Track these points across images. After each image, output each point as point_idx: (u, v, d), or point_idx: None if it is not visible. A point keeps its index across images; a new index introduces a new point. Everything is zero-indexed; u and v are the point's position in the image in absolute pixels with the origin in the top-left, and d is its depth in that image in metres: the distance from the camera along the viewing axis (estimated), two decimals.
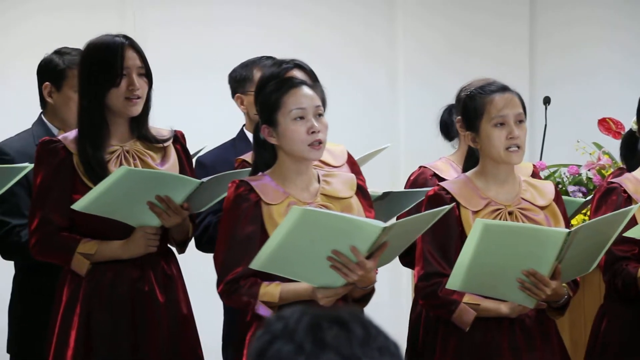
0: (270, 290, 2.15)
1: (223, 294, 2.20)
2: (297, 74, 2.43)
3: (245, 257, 2.14)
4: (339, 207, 2.25)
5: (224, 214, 2.25)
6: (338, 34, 4.04)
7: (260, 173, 2.24)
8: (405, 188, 2.76)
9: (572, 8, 4.42)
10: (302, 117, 2.18)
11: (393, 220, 2.42)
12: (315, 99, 2.22)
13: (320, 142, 2.20)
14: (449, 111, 2.85)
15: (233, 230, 2.20)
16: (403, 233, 2.24)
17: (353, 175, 2.38)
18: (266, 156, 2.25)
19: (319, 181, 2.28)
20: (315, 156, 2.24)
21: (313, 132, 2.18)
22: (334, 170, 2.43)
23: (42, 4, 3.83)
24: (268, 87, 2.27)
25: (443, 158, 2.89)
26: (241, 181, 2.21)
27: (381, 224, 2.11)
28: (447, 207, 2.24)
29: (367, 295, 2.25)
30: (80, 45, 2.42)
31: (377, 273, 2.20)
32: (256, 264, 2.06)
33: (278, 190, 2.23)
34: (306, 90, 2.23)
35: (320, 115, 2.22)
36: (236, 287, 2.18)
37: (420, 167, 2.88)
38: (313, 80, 2.43)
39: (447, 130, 2.89)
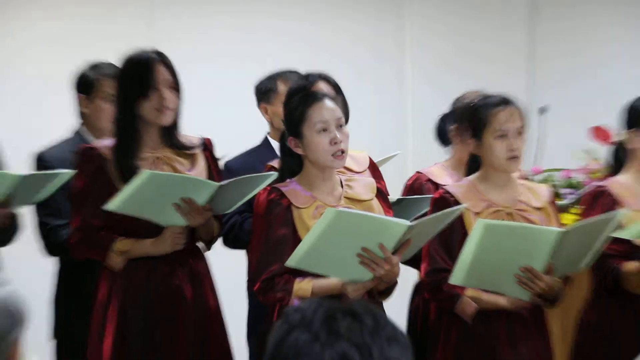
0: (303, 286, 2.31)
1: (260, 291, 2.34)
2: (322, 86, 2.58)
3: (279, 257, 2.30)
4: (360, 209, 2.38)
5: (258, 218, 2.40)
6: (352, 41, 4.27)
7: (288, 180, 2.40)
8: (403, 193, 2.89)
9: (571, 17, 4.60)
10: (325, 129, 2.33)
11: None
12: (336, 111, 2.37)
13: (342, 152, 2.35)
14: (443, 120, 2.99)
15: (267, 232, 2.36)
16: (423, 231, 2.37)
17: (373, 180, 2.52)
18: (292, 164, 2.41)
19: (342, 186, 2.42)
20: (338, 165, 2.38)
21: (335, 143, 2.33)
22: (355, 175, 2.57)
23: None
24: (293, 101, 2.43)
25: (438, 164, 3.02)
26: (272, 187, 2.37)
27: (407, 223, 2.24)
28: (461, 206, 2.38)
29: (390, 288, 2.41)
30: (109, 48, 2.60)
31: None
32: (292, 262, 2.21)
33: (306, 195, 2.39)
34: (328, 103, 2.38)
35: (341, 126, 2.38)
36: (272, 284, 2.33)
37: (416, 172, 3.01)
38: (337, 91, 2.59)
39: (443, 137, 3.03)
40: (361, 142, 2.39)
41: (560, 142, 3.68)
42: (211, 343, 2.55)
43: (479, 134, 2.49)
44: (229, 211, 2.54)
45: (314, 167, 2.39)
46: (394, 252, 2.24)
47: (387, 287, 2.39)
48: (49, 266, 2.93)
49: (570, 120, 3.94)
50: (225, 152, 2.79)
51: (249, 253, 2.47)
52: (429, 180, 2.89)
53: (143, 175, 2.31)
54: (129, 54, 2.48)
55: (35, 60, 3.95)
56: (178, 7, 4.16)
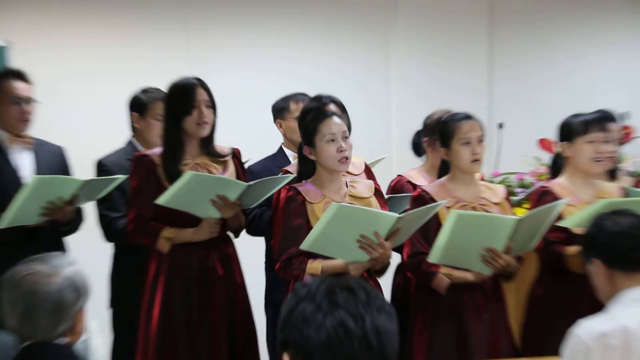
0: (314, 266, 2.67)
1: (280, 269, 2.71)
2: (332, 106, 2.95)
3: (295, 242, 2.64)
4: (362, 205, 2.71)
5: (279, 211, 2.75)
6: (345, 78, 4.93)
7: (304, 180, 2.80)
8: (387, 192, 3.22)
9: (522, 52, 5.29)
10: (333, 140, 2.70)
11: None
12: (342, 126, 2.74)
13: (347, 158, 2.72)
14: (418, 135, 3.42)
15: (285, 222, 2.72)
16: (409, 223, 2.68)
17: (372, 181, 2.91)
18: (308, 168, 2.80)
19: (346, 186, 2.80)
20: (343, 169, 2.75)
21: (341, 151, 2.70)
22: (357, 177, 2.96)
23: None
24: (308, 117, 2.81)
25: (415, 168, 3.39)
26: (291, 186, 2.75)
27: (396, 215, 2.56)
28: (441, 202, 2.72)
29: (384, 267, 2.79)
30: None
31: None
32: (304, 246, 2.55)
33: (317, 193, 2.76)
34: (336, 119, 2.74)
35: (346, 137, 2.74)
36: (289, 264, 2.67)
37: (398, 175, 3.38)
38: (342, 110, 2.97)
39: (417, 149, 3.47)
40: (354, 147, 2.85)
41: (514, 151, 4.08)
42: (237, 310, 2.94)
43: (448, 142, 2.86)
44: (253, 206, 2.94)
45: (324, 170, 2.75)
46: (387, 239, 2.58)
47: (382, 267, 2.78)
48: (107, 250, 3.33)
49: (522, 133, 4.40)
50: (248, 158, 3.26)
51: (270, 239, 2.89)
52: (409, 181, 3.25)
53: (186, 176, 2.67)
54: (175, 80, 2.89)
55: (98, 84, 4.47)
56: (211, 42, 4.81)
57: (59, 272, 1.89)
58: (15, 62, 3.90)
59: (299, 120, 2.94)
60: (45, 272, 1.86)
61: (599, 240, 2.20)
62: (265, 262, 3.36)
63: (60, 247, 3.07)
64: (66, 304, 1.89)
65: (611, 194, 2.99)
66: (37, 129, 3.21)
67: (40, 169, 3.08)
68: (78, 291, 1.90)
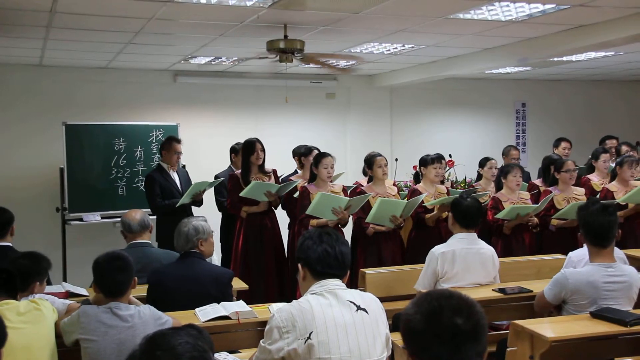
0: (313, 222, 5.41)
1: (298, 224, 5.61)
2: (330, 155, 5.71)
3: (305, 211, 5.37)
4: (335, 194, 5.55)
5: (299, 196, 5.60)
6: (324, 133, 8.68)
7: (312, 183, 5.66)
8: (351, 191, 5.79)
9: (409, 124, 9.06)
10: (325, 167, 5.58)
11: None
12: (332, 161, 5.59)
13: (330, 177, 5.57)
14: (365, 165, 6.29)
15: (302, 201, 5.52)
16: (355, 202, 5.21)
17: (342, 185, 5.81)
18: (314, 177, 5.65)
19: (329, 187, 5.71)
20: (328, 181, 5.60)
21: (329, 174, 5.57)
22: (335, 187, 5.69)
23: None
24: (316, 156, 5.64)
25: (364, 180, 6.19)
26: (303, 186, 5.63)
27: (348, 198, 5.28)
28: (370, 194, 5.45)
29: (345, 224, 5.54)
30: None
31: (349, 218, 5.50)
32: (308, 212, 5.36)
33: (316, 189, 5.56)
34: (330, 157, 5.59)
35: (332, 166, 5.58)
36: (303, 221, 5.53)
37: (355, 182, 6.23)
38: (331, 156, 5.73)
39: (365, 172, 6.34)
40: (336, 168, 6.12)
41: (403, 171, 7.37)
42: (277, 242, 5.84)
43: (372, 167, 5.72)
44: (281, 195, 5.90)
45: (320, 179, 5.68)
46: (345, 209, 5.43)
47: (344, 223, 5.62)
48: (219, 215, 6.29)
49: (405, 163, 7.74)
50: (281, 173, 6.34)
51: (295, 210, 5.88)
52: (360, 185, 5.97)
53: (252, 183, 5.60)
54: (247, 139, 5.86)
55: (217, 140, 7.32)
56: (266, 125, 8.26)
57: (193, 222, 3.87)
58: (180, 133, 7.38)
59: (313, 158, 5.82)
60: (187, 221, 3.88)
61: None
62: (290, 221, 6.38)
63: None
64: (192, 235, 3.79)
65: (442, 190, 6.10)
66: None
67: (182, 180, 6.13)
68: (197, 230, 3.83)
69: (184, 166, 6.81)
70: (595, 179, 6.73)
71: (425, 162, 6.01)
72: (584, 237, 3.68)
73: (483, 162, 6.73)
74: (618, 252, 4.20)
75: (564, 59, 7.74)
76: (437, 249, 4.41)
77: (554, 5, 5.06)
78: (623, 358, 3.64)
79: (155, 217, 6.16)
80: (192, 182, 6.14)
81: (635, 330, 3.33)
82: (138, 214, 4.34)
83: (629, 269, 3.74)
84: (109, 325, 2.98)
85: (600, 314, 3.44)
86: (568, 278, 3.62)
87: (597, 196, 6.24)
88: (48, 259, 3.49)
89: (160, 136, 7.64)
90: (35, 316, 3.02)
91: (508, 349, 3.45)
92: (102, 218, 7.42)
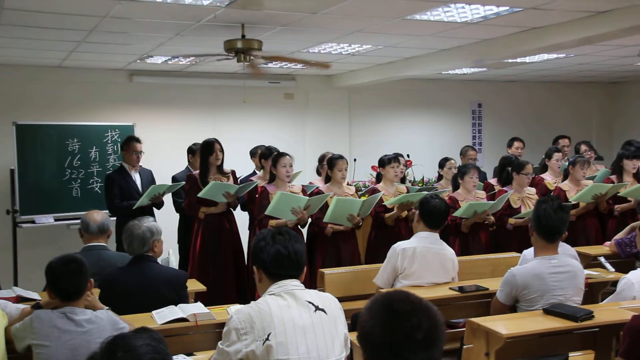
0: (272, 222, 5.38)
1: (257, 224, 5.60)
2: (287, 154, 5.72)
3: (264, 211, 5.40)
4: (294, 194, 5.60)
5: (259, 196, 5.60)
6: (284, 131, 8.67)
7: (271, 184, 5.66)
8: (310, 192, 5.86)
9: (367, 124, 9.09)
10: (284, 166, 5.59)
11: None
12: (289, 160, 5.61)
13: (289, 176, 5.61)
14: (318, 164, 6.51)
15: (262, 201, 5.54)
16: (314, 202, 5.29)
17: (301, 185, 5.86)
18: (273, 178, 5.66)
19: (289, 187, 5.71)
20: (287, 181, 5.63)
21: (288, 173, 5.60)
22: (295, 187, 5.71)
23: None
24: (274, 155, 5.65)
25: (317, 179, 6.36)
26: (263, 186, 5.64)
27: (307, 198, 5.33)
28: (329, 194, 5.52)
29: (304, 224, 5.57)
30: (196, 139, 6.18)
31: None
32: (267, 211, 5.36)
33: (275, 189, 5.58)
34: (287, 157, 5.62)
35: (291, 165, 5.60)
36: (262, 221, 5.50)
37: (309, 182, 6.31)
38: (289, 156, 5.74)
39: (318, 171, 6.51)
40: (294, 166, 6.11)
41: (362, 171, 7.42)
42: (235, 243, 5.83)
43: (332, 169, 5.80)
44: (240, 195, 5.89)
45: (279, 179, 5.68)
46: (305, 209, 5.45)
47: (303, 224, 5.63)
48: (176, 216, 6.24)
49: (364, 164, 7.83)
50: (240, 174, 6.31)
51: (254, 210, 5.88)
52: (317, 187, 6.03)
53: (211, 183, 5.58)
54: (205, 139, 5.82)
55: (171, 143, 7.56)
56: (225, 125, 8.14)
57: (145, 223, 3.75)
58: (136, 133, 7.15)
59: (272, 158, 5.82)
60: (139, 223, 3.90)
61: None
62: (250, 222, 6.39)
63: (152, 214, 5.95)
64: (148, 237, 3.69)
65: (402, 190, 6.18)
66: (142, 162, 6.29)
67: (143, 181, 6.05)
68: (152, 231, 3.85)
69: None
70: (548, 178, 6.89)
71: (383, 162, 6.09)
72: (535, 230, 3.76)
73: (442, 163, 6.82)
74: (569, 250, 4.31)
75: (518, 60, 7.90)
76: (399, 245, 4.45)
77: (507, 8, 5.16)
78: (576, 352, 3.75)
79: (116, 218, 6.08)
80: (163, 183, 6.10)
81: (586, 325, 3.41)
82: (99, 216, 4.28)
83: (572, 260, 3.84)
84: (63, 330, 2.91)
85: (552, 310, 3.52)
86: (515, 275, 3.70)
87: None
88: None
89: (115, 136, 7.51)
90: None
91: (464, 347, 3.49)
92: (56, 220, 7.25)
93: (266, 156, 6.24)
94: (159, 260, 3.94)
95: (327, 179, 5.92)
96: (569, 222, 3.87)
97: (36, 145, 7.31)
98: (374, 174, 7.04)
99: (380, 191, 5.82)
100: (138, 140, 6.24)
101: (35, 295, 3.99)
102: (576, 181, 6.40)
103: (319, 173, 6.57)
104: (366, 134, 9.53)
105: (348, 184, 6.27)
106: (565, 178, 6.56)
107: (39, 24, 5.39)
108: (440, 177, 6.95)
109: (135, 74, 8.24)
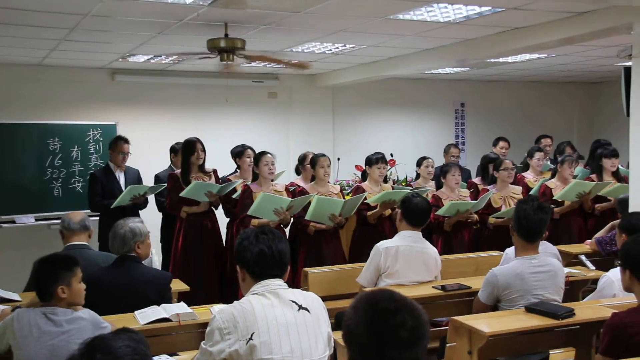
0: (254, 222, 5.32)
1: (239, 224, 5.56)
2: (268, 154, 5.70)
3: (246, 210, 5.37)
4: (277, 195, 5.53)
5: (241, 195, 5.57)
6: (270, 132, 8.70)
7: (254, 183, 5.65)
8: (293, 192, 5.88)
9: (350, 124, 9.11)
10: (266, 164, 5.55)
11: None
12: (271, 158, 5.57)
13: (272, 173, 5.59)
14: (298, 163, 6.52)
15: (244, 201, 5.50)
16: (297, 203, 5.28)
17: (284, 184, 5.82)
18: (256, 177, 5.64)
19: (272, 186, 5.71)
20: (270, 179, 5.61)
21: (270, 171, 5.57)
22: (278, 186, 5.69)
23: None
24: (256, 155, 5.64)
25: (298, 178, 6.32)
26: (246, 185, 5.61)
27: (289, 199, 5.28)
28: (313, 194, 5.48)
29: (287, 224, 5.57)
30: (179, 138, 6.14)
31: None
32: (249, 212, 5.34)
33: (258, 188, 5.56)
34: (269, 155, 5.59)
35: (273, 163, 5.56)
36: (243, 220, 5.50)
37: (290, 182, 6.25)
38: (271, 154, 5.75)
39: (298, 171, 6.49)
40: (277, 165, 6.05)
41: (346, 170, 7.41)
42: (217, 242, 5.81)
43: (314, 167, 5.80)
44: (222, 194, 5.83)
45: (262, 178, 5.64)
46: (287, 210, 5.40)
47: (285, 224, 5.63)
48: (159, 215, 6.18)
49: (348, 163, 7.78)
50: (222, 175, 6.29)
51: (236, 209, 5.87)
52: (297, 185, 6.09)
53: (193, 183, 5.56)
54: (187, 138, 5.80)
55: (157, 140, 7.58)
56: (207, 124, 8.06)
57: (130, 224, 3.72)
58: (119, 132, 7.16)
59: (254, 157, 5.83)
60: (123, 223, 3.88)
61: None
62: (228, 221, 6.36)
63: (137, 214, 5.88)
64: (129, 238, 3.66)
65: (388, 189, 6.18)
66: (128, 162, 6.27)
67: (127, 181, 6.00)
68: (134, 232, 3.81)
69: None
70: (529, 176, 6.96)
71: (370, 161, 6.09)
72: (515, 229, 3.78)
73: (420, 162, 6.84)
74: (551, 248, 4.35)
75: (500, 60, 7.96)
76: (382, 244, 4.45)
77: (489, 8, 5.19)
78: (557, 350, 3.78)
79: (97, 218, 6.03)
80: (145, 184, 6.09)
81: (567, 323, 3.45)
82: (79, 215, 4.25)
83: (552, 259, 3.86)
84: (42, 330, 2.87)
85: (534, 308, 3.54)
86: (497, 275, 3.72)
87: (537, 192, 6.41)
88: None
89: (97, 136, 7.46)
90: None
91: (447, 345, 3.51)
92: (37, 220, 7.18)
93: (239, 155, 6.26)
94: None
95: (313, 178, 5.90)
96: (553, 220, 3.88)
97: (16, 145, 7.25)
98: (358, 173, 7.03)
99: (365, 191, 5.82)
100: (126, 141, 6.24)
101: (15, 296, 3.95)
102: (563, 179, 6.45)
103: (298, 172, 6.57)
104: (350, 133, 9.55)
105: (334, 183, 6.29)
106: (553, 176, 6.61)
107: (19, 21, 5.33)
108: (417, 176, 6.96)
109: (118, 73, 8.19)
